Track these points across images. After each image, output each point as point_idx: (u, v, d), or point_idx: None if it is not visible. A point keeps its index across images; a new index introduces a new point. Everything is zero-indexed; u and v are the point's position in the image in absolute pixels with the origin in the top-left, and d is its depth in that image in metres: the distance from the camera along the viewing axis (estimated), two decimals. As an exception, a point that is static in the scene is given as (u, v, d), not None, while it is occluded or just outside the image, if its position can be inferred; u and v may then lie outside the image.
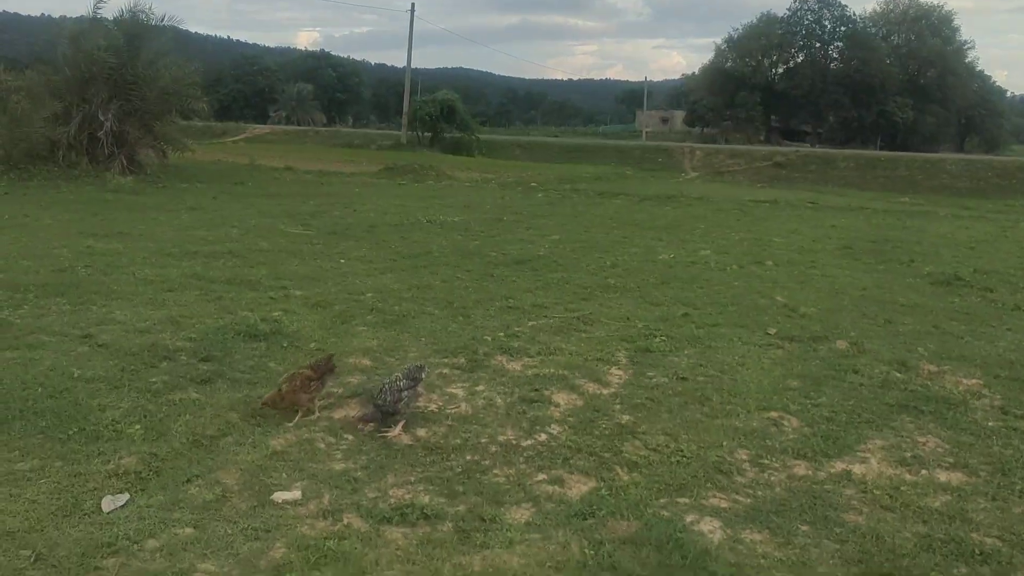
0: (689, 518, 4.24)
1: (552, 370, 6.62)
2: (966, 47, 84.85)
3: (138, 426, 5.08)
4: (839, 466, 5.00)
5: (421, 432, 5.25)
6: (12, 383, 5.67)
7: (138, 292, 8.73)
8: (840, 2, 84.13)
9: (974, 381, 6.85)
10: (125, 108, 23.97)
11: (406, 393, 5.17)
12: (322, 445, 5.02)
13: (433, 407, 5.71)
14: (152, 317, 7.70)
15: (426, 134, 57.35)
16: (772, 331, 8.26)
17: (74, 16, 26.37)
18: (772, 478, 4.81)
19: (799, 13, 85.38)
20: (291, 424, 5.27)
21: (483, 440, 5.19)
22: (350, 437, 5.15)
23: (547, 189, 27.89)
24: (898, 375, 6.92)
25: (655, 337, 7.73)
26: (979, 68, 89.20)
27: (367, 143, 57.28)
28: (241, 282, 9.51)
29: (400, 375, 5.29)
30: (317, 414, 5.45)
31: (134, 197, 18.63)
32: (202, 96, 26.63)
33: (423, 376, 5.45)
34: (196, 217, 15.53)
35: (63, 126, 22.92)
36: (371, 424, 5.15)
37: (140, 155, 24.77)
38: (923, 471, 4.97)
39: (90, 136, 23.47)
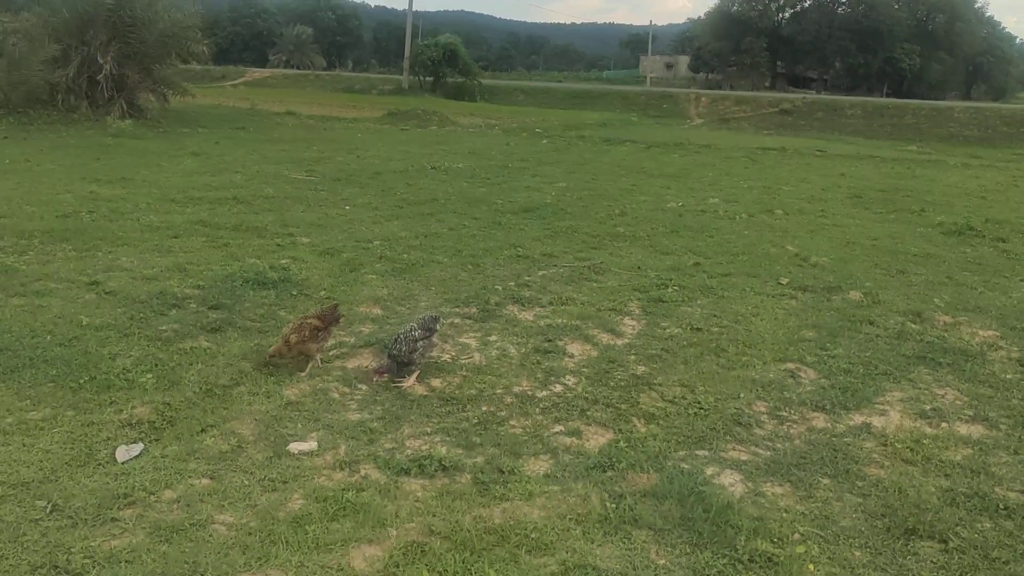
0: (709, 471, 4.19)
1: (565, 320, 6.55)
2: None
3: (150, 375, 5.01)
4: (858, 419, 4.95)
5: (436, 382, 5.20)
6: (21, 331, 5.60)
7: (144, 238, 8.63)
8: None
9: (990, 333, 6.78)
10: (124, 51, 23.58)
11: (421, 343, 5.10)
12: (336, 395, 4.97)
13: (446, 357, 5.65)
14: (159, 264, 7.61)
15: (428, 79, 56.66)
16: (784, 281, 8.18)
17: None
18: (791, 430, 4.77)
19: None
20: (304, 374, 5.21)
21: (498, 391, 5.14)
22: (364, 387, 5.09)
23: (552, 135, 27.60)
24: (913, 326, 6.85)
25: (667, 287, 7.65)
26: (988, 14, 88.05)
27: (368, 88, 56.65)
28: (247, 229, 9.41)
29: (415, 325, 5.21)
30: (319, 364, 5.35)
31: (135, 142, 18.40)
32: (202, 39, 26.19)
33: (438, 327, 5.37)
34: (199, 162, 15.35)
35: (62, 69, 22.57)
36: (385, 375, 5.09)
37: (140, 99, 24.47)
38: (943, 424, 4.93)
39: (89, 80, 23.13)
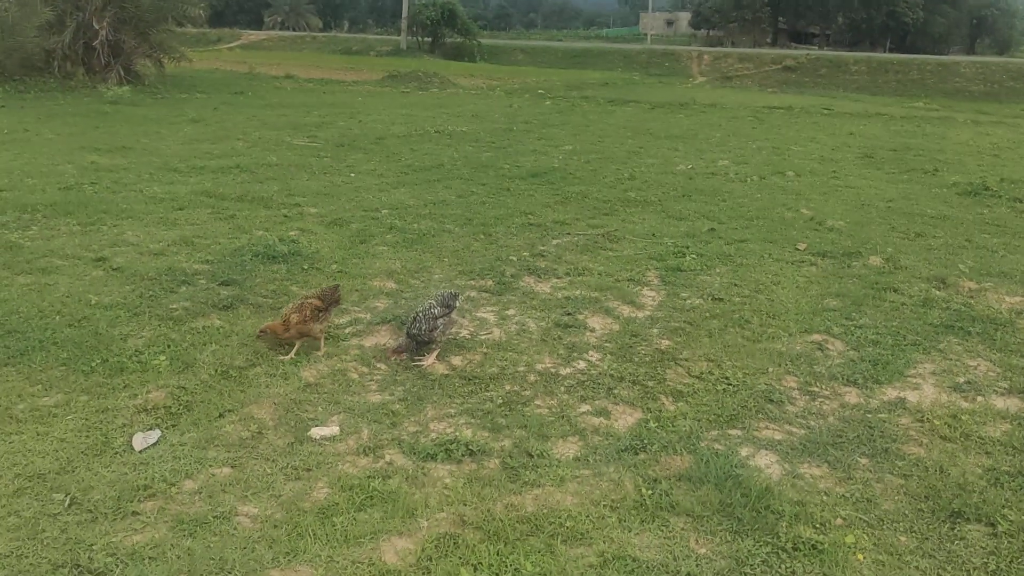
0: (744, 452, 4.06)
1: (582, 292, 6.40)
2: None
3: (163, 357, 4.88)
4: (891, 393, 4.81)
5: (456, 360, 5.06)
6: (29, 311, 5.45)
7: (148, 211, 8.45)
8: None
9: (1017, 299, 6.63)
10: (120, 16, 23.21)
11: (441, 321, 4.95)
12: (355, 376, 4.83)
13: (465, 333, 5.51)
14: (165, 238, 7.45)
15: (426, 39, 56.00)
16: (802, 246, 8.02)
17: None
18: (824, 407, 4.63)
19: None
20: (320, 353, 5.07)
21: (520, 368, 5.00)
22: (383, 367, 4.96)
23: (555, 96, 27.24)
24: (938, 293, 6.70)
25: (684, 255, 7.48)
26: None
27: (366, 49, 56.01)
28: (253, 199, 9.22)
29: (434, 303, 5.05)
30: (324, 349, 5.18)
31: (134, 109, 18.13)
32: (197, 1, 25.78)
33: (457, 303, 5.22)
34: (199, 130, 15.10)
35: (57, 35, 22.21)
36: (404, 354, 4.95)
37: (137, 65, 24.15)
38: (979, 398, 4.79)
39: (85, 46, 22.78)
